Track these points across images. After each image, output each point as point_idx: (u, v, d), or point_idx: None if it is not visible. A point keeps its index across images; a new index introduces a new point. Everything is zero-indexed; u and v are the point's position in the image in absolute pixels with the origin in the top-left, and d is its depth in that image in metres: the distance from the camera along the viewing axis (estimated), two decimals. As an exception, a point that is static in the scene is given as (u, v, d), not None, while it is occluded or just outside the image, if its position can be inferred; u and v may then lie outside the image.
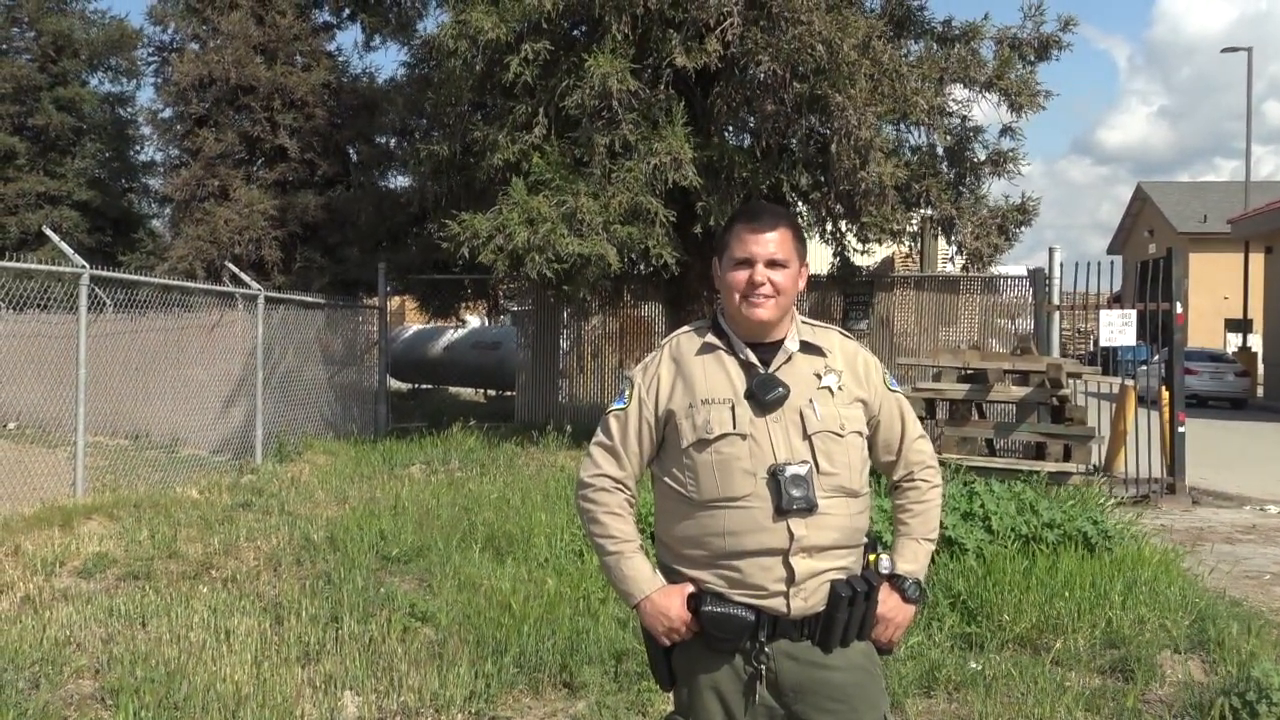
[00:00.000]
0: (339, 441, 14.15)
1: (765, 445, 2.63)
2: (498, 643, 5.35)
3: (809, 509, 2.59)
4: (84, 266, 9.79)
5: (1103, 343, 12.03)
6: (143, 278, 12.55)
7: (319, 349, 15.85)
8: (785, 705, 2.68)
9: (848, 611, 2.64)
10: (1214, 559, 8.00)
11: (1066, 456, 10.56)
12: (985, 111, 52.99)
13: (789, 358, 2.72)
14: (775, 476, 2.59)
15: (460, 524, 8.10)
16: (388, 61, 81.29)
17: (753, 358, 2.71)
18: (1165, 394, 11.64)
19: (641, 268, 13.93)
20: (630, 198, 11.72)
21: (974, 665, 5.24)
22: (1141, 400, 12.38)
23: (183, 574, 6.90)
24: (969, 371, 11.18)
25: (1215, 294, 39.84)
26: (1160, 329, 11.71)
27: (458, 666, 5.07)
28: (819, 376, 2.72)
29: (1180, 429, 11.43)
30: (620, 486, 2.78)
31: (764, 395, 2.65)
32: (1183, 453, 11.42)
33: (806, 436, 2.65)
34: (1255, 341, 31.65)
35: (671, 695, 2.84)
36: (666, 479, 2.75)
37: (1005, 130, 13.99)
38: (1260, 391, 29.49)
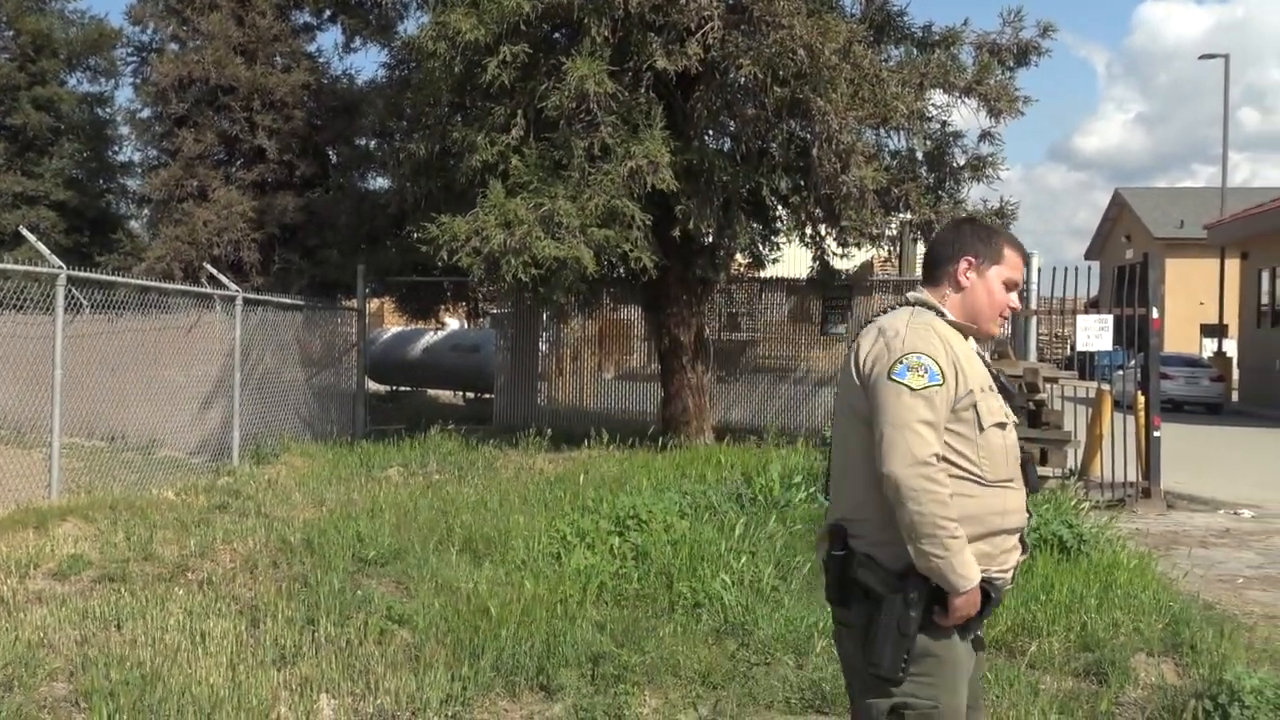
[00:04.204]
0: (317, 443, 14.09)
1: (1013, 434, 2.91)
2: (475, 645, 5.34)
3: (1036, 492, 2.94)
4: (61, 267, 9.72)
5: (1080, 347, 12.12)
6: (120, 279, 12.47)
7: (297, 351, 15.79)
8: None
9: None
10: (1188, 563, 8.06)
11: (1043, 460, 10.62)
12: (964, 117, 53.31)
13: None
14: (1026, 464, 2.89)
15: (438, 527, 8.07)
16: (368, 63, 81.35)
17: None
18: (1141, 398, 11.72)
19: (621, 271, 13.93)
20: (606, 200, 11.70)
21: (949, 668, 5.25)
22: (1117, 405, 12.45)
23: (158, 576, 6.85)
24: (947, 375, 11.21)
25: (1191, 299, 40.06)
26: (1137, 334, 11.79)
27: (434, 669, 5.06)
28: None
29: (1156, 433, 11.50)
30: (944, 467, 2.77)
31: (1010, 389, 2.97)
32: (1158, 457, 11.49)
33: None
34: (1230, 346, 31.86)
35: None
36: (951, 457, 2.74)
37: (984, 135, 14.07)
38: (1235, 396, 29.70)
